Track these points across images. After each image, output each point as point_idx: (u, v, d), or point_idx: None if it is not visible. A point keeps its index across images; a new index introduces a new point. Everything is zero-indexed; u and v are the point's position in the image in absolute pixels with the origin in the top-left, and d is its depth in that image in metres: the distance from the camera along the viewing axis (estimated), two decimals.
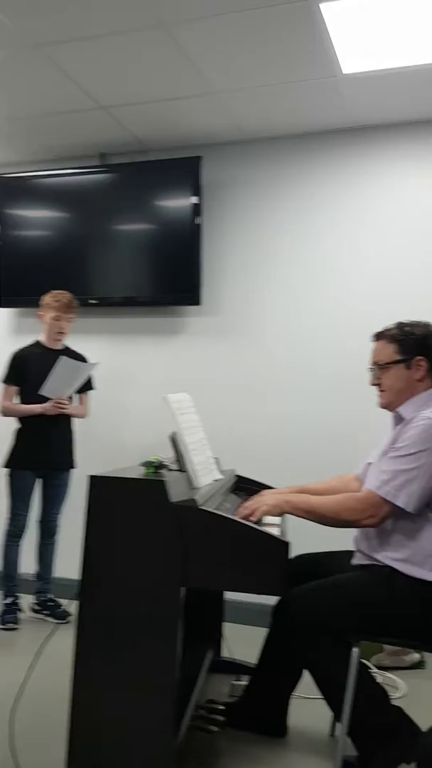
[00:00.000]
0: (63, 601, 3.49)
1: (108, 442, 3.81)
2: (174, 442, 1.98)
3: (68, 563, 3.64)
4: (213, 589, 2.12)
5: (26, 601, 3.45)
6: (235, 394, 3.67)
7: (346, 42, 2.75)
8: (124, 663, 1.67)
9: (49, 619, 3.38)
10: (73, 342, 3.56)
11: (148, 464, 1.81)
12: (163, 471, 1.81)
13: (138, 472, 1.78)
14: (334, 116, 3.41)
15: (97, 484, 1.68)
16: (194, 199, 3.66)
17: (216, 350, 3.74)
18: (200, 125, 3.57)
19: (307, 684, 2.09)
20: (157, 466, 1.80)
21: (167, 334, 3.84)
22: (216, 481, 2.19)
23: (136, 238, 3.77)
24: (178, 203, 3.70)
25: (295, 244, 3.63)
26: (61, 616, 3.37)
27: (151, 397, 3.77)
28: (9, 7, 2.58)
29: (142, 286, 3.78)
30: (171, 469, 1.90)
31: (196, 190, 3.66)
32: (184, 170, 3.67)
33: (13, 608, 3.32)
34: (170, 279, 3.73)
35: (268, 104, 3.30)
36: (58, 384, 3.23)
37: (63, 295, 3.39)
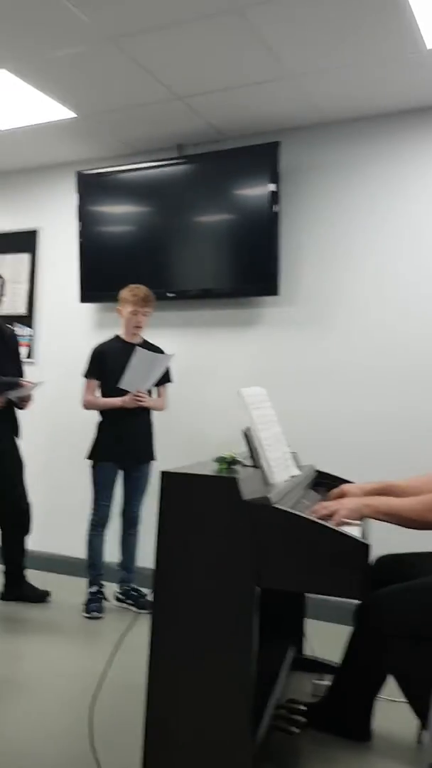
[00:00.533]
0: (146, 591, 3.54)
1: (187, 434, 3.81)
2: (247, 437, 1.93)
3: (151, 553, 3.70)
4: (288, 590, 2.06)
5: (111, 590, 3.52)
6: (314, 386, 3.58)
7: (430, 16, 2.59)
8: (198, 660, 1.64)
9: (133, 608, 3.44)
10: (150, 335, 3.58)
11: (220, 460, 1.77)
12: (237, 467, 1.77)
13: (210, 469, 1.75)
14: (417, 94, 3.24)
15: (169, 480, 1.66)
16: (272, 187, 3.58)
17: (294, 341, 3.66)
18: (277, 110, 3.48)
19: (393, 686, 2.00)
20: (230, 462, 1.76)
21: (245, 326, 3.79)
22: (293, 477, 2.12)
23: (214, 229, 3.74)
24: (256, 191, 3.63)
25: (376, 230, 3.48)
26: (144, 605, 3.41)
27: (228, 389, 3.73)
28: (85, 2, 2.60)
29: (219, 278, 3.74)
30: (245, 465, 1.86)
31: (274, 177, 3.58)
32: (261, 157, 3.60)
33: (97, 597, 3.40)
34: (248, 269, 3.67)
35: (347, 84, 3.17)
36: (135, 377, 3.26)
37: (139, 290, 3.42)
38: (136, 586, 3.51)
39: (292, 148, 3.65)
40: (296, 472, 2.22)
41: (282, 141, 3.59)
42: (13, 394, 3.33)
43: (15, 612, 3.42)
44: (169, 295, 3.80)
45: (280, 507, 1.61)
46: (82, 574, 3.59)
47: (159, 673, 1.68)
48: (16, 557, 3.57)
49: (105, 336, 3.61)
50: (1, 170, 4.53)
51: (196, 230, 3.78)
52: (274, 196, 3.58)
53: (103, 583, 3.45)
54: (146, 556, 3.62)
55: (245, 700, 1.62)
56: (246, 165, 3.65)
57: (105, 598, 3.43)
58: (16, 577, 3.58)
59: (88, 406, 3.46)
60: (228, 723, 1.62)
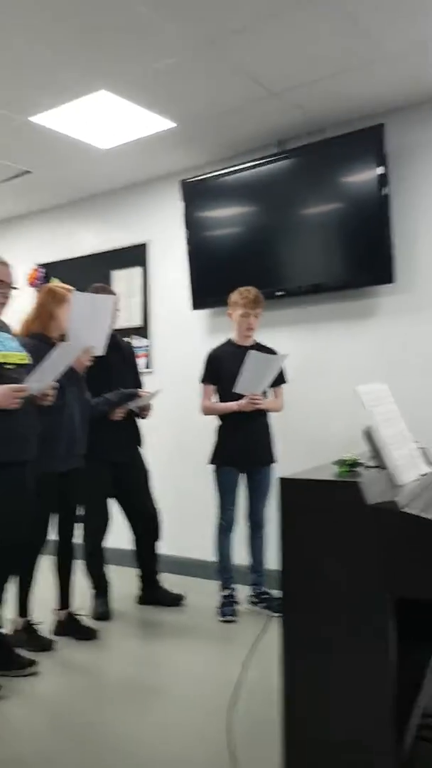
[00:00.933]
0: (278, 593, 3.50)
1: (306, 435, 3.73)
2: (369, 436, 1.84)
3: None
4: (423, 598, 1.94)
5: (243, 593, 3.51)
6: None
7: None
8: (333, 667, 1.58)
9: (267, 611, 3.41)
10: (262, 336, 3.54)
11: (341, 463, 1.70)
12: (359, 469, 1.69)
13: (331, 472, 1.68)
14: None
15: (288, 487, 1.62)
16: (380, 170, 3.43)
17: (415, 329, 3.48)
18: (378, 93, 3.33)
19: None
20: (352, 465, 1.69)
21: (360, 318, 3.65)
22: (423, 475, 2.00)
23: (321, 221, 3.64)
24: (363, 176, 3.50)
25: None
26: (278, 608, 3.37)
27: (347, 386, 3.54)
28: (174, 13, 2.61)
29: (330, 271, 3.64)
30: (368, 467, 1.77)
31: (381, 160, 3.42)
32: (366, 141, 3.46)
33: (230, 600, 3.41)
34: (360, 258, 3.54)
35: None
36: (250, 380, 3.24)
37: (249, 292, 3.39)
38: (267, 589, 3.48)
39: (398, 129, 3.48)
40: (427, 469, 2.09)
41: (386, 123, 3.43)
42: (133, 405, 3.42)
43: (151, 616, 3.50)
44: (278, 294, 3.75)
45: (409, 511, 1.51)
46: (213, 576, 3.62)
47: (294, 678, 1.65)
48: (149, 562, 3.66)
49: (218, 341, 3.62)
50: (109, 189, 4.68)
51: (303, 225, 3.70)
52: (383, 179, 3.43)
53: (235, 586, 3.45)
54: (276, 558, 3.59)
55: (386, 706, 1.54)
56: (350, 151, 3.52)
57: (238, 602, 3.43)
58: (150, 581, 3.67)
59: (206, 411, 3.49)
60: (369, 729, 1.55)
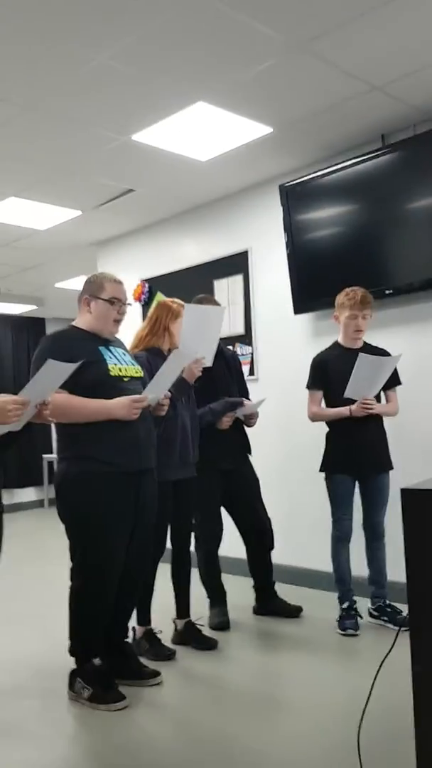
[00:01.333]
0: (401, 606, 3.36)
1: (423, 440, 3.55)
2: None
3: (401, 565, 3.50)
4: None
5: (363, 605, 3.39)
6: None
7: None
8: None
9: (389, 625, 3.27)
10: (372, 338, 3.42)
11: None
12: None
13: None
14: None
15: (411, 498, 1.52)
16: None
17: None
18: None
19: None
20: None
21: None
22: None
23: (430, 213, 3.48)
24: None
25: None
26: (402, 622, 3.22)
27: None
28: (270, 16, 2.59)
29: None
30: None
31: None
32: None
33: (351, 613, 3.29)
34: None
35: None
36: (361, 384, 3.12)
37: (356, 292, 3.28)
38: (390, 602, 3.34)
39: None
40: None
41: None
42: (239, 413, 3.40)
43: (269, 627, 3.46)
44: (387, 292, 3.61)
45: None
46: (330, 588, 3.53)
47: (428, 696, 1.54)
48: (264, 573, 3.62)
49: (323, 345, 3.53)
50: (209, 200, 4.72)
51: (411, 219, 3.55)
52: None
53: (355, 598, 3.34)
54: (398, 568, 3.44)
55: None
56: None
57: (359, 615, 3.32)
58: (266, 592, 3.63)
59: (314, 417, 3.41)
60: None
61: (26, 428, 2.05)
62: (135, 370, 2.76)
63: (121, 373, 2.66)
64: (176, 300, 3.26)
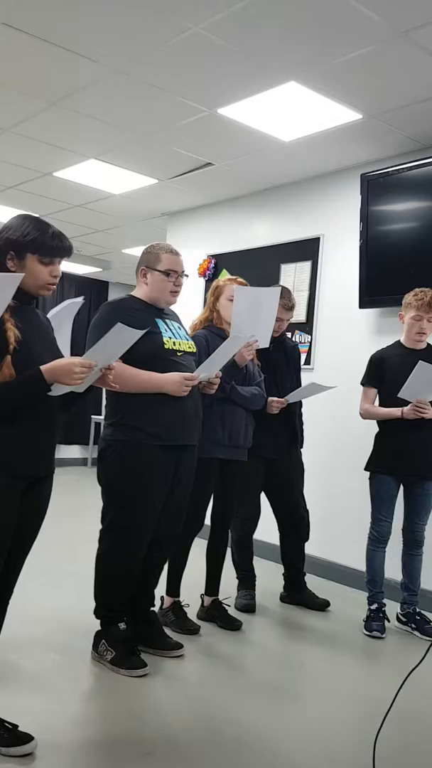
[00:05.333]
0: (431, 616, 3.32)
1: None
2: None
3: None
4: None
5: (392, 609, 3.35)
6: None
7: None
8: None
9: (416, 633, 3.23)
10: None
11: None
12: None
13: None
14: None
15: None
16: None
17: None
18: None
19: None
20: None
21: None
22: None
23: None
24: None
25: None
26: (429, 633, 3.18)
27: None
28: (378, 2, 2.51)
29: None
30: None
31: None
32: None
33: (378, 616, 3.26)
34: None
35: None
36: (417, 386, 3.03)
37: (426, 294, 3.18)
38: (420, 610, 3.29)
39: None
40: None
41: None
42: (293, 398, 3.36)
43: (295, 617, 3.46)
44: None
45: None
46: (361, 587, 3.50)
47: None
48: (296, 562, 3.62)
49: (384, 343, 3.45)
50: (286, 181, 4.64)
51: None
52: None
53: (385, 601, 3.30)
54: (431, 578, 3.40)
55: None
56: None
57: (386, 618, 3.28)
58: (296, 582, 3.63)
59: (365, 415, 3.34)
60: None
61: (88, 391, 2.07)
62: (188, 345, 2.76)
63: (175, 347, 2.67)
64: (231, 277, 3.23)
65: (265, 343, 3.04)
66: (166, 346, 2.64)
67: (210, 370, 2.72)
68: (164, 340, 2.65)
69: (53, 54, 3.10)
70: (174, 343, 2.68)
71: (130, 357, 2.45)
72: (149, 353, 2.58)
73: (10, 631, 2.15)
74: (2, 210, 5.76)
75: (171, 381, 2.57)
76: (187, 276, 2.79)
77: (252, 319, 2.92)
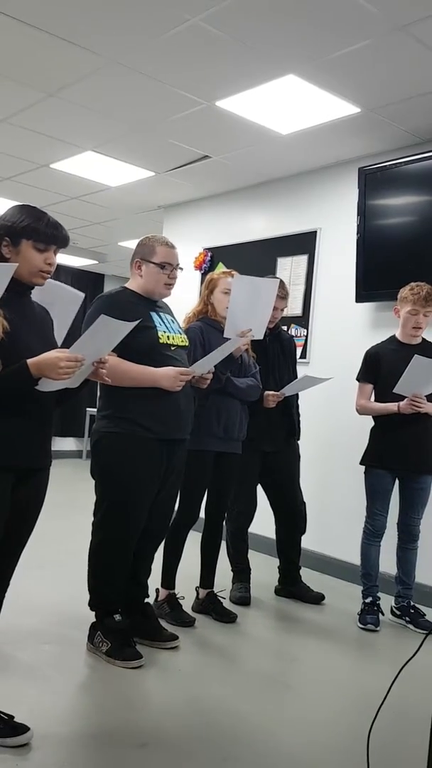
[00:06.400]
0: (426, 609, 3.33)
1: None
2: None
3: (431, 570, 3.47)
4: None
5: (387, 602, 3.37)
6: None
7: None
8: None
9: (410, 626, 3.25)
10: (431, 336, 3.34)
11: None
12: None
13: None
14: None
15: None
16: None
17: None
18: None
19: None
20: None
21: None
22: None
23: None
24: None
25: None
26: (423, 626, 3.20)
27: None
28: None
29: None
30: None
31: None
32: None
33: (373, 609, 3.28)
34: None
35: None
36: (413, 381, 3.04)
37: (422, 288, 3.19)
38: (414, 603, 3.31)
39: None
40: None
41: None
42: (289, 391, 3.34)
43: (289, 609, 3.48)
44: None
45: None
46: (356, 580, 3.52)
47: None
48: (291, 555, 3.63)
49: (380, 337, 3.45)
50: (283, 175, 4.63)
51: None
52: None
53: (380, 595, 3.32)
54: (426, 572, 3.41)
55: None
56: None
57: (381, 611, 3.30)
58: (291, 575, 3.64)
59: (361, 411, 3.35)
60: None
61: (83, 385, 2.06)
62: (181, 339, 2.76)
63: (168, 341, 2.67)
64: (226, 270, 3.23)
65: (259, 335, 3.02)
66: (160, 341, 2.64)
67: (205, 367, 2.72)
68: (159, 334, 2.65)
69: (50, 44, 3.08)
70: (168, 337, 2.68)
71: (125, 351, 2.44)
72: (145, 348, 2.58)
73: (6, 623, 2.16)
74: None
75: (166, 376, 2.57)
76: (182, 269, 2.79)
77: (249, 309, 2.91)
